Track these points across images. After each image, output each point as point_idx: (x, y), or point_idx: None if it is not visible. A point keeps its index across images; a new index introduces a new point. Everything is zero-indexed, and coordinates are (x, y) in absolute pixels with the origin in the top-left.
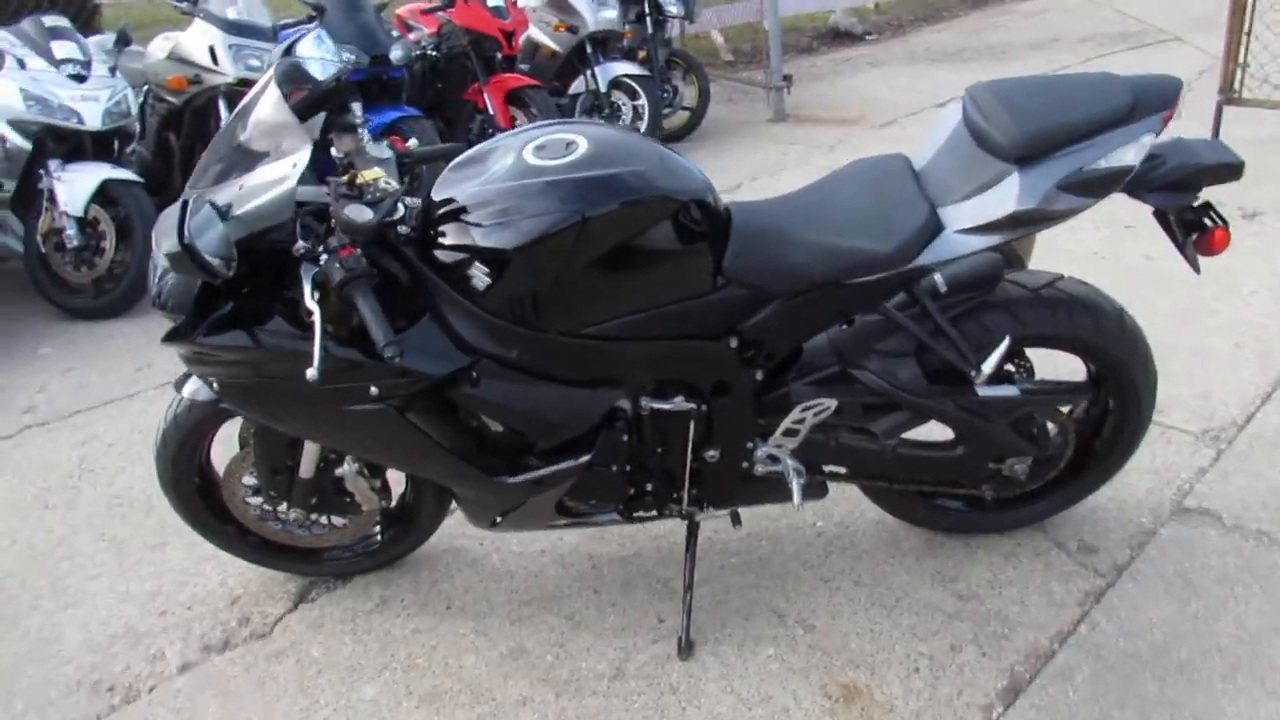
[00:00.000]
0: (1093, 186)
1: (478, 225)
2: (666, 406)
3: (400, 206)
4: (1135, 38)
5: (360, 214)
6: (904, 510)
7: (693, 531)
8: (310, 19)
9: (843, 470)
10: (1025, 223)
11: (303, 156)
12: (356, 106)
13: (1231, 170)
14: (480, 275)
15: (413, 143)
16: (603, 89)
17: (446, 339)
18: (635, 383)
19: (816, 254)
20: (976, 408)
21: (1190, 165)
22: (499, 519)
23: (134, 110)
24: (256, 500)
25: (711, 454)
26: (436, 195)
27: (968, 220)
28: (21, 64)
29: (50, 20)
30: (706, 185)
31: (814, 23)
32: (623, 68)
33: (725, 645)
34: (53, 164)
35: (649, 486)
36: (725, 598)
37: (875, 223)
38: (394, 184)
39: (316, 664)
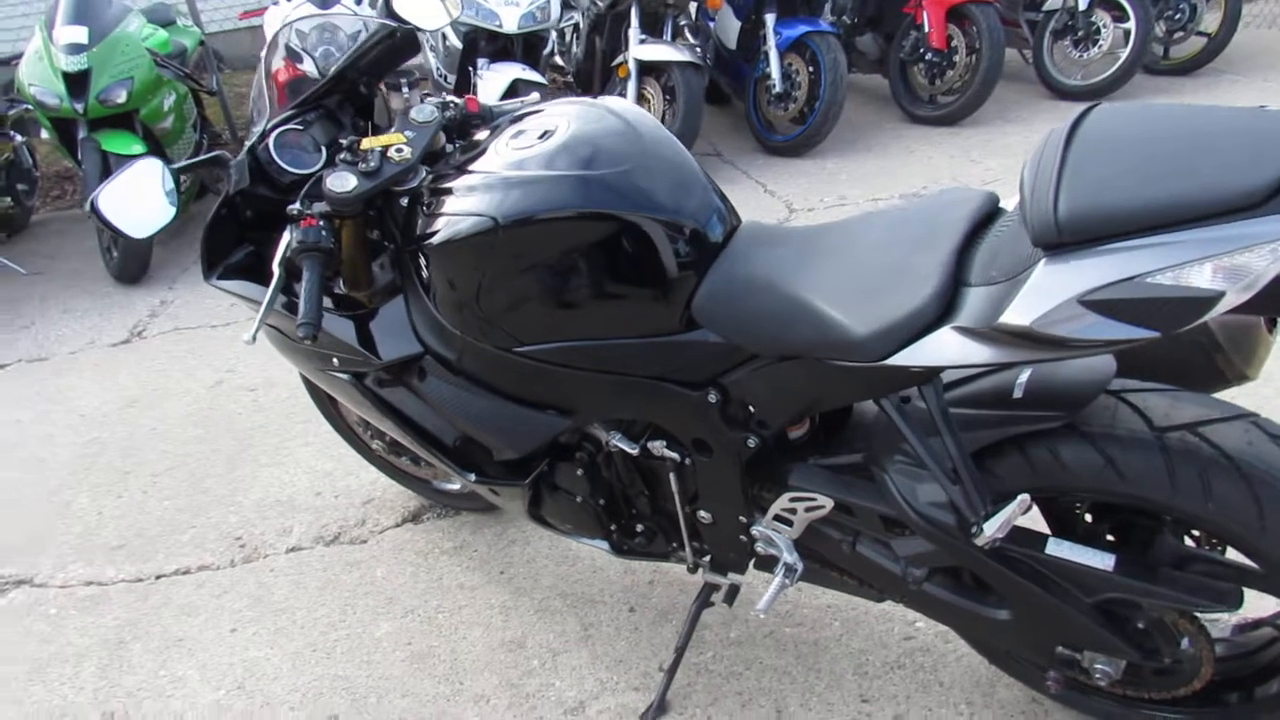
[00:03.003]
0: (1135, 312)
1: (423, 214)
2: (632, 450)
3: (413, 177)
4: None
5: (342, 183)
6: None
7: (704, 591)
8: None
9: (854, 583)
10: (1037, 343)
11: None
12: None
13: None
14: (424, 267)
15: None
16: (1082, 6)
17: (408, 325)
18: (593, 416)
19: (795, 315)
20: (1032, 569)
21: None
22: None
23: (552, 18)
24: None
25: (704, 515)
26: (433, 171)
27: (972, 317)
28: None
29: None
30: (700, 207)
31: None
32: None
33: None
34: (480, 62)
35: (639, 528)
36: (742, 672)
37: (876, 290)
38: (408, 152)
39: (370, 585)
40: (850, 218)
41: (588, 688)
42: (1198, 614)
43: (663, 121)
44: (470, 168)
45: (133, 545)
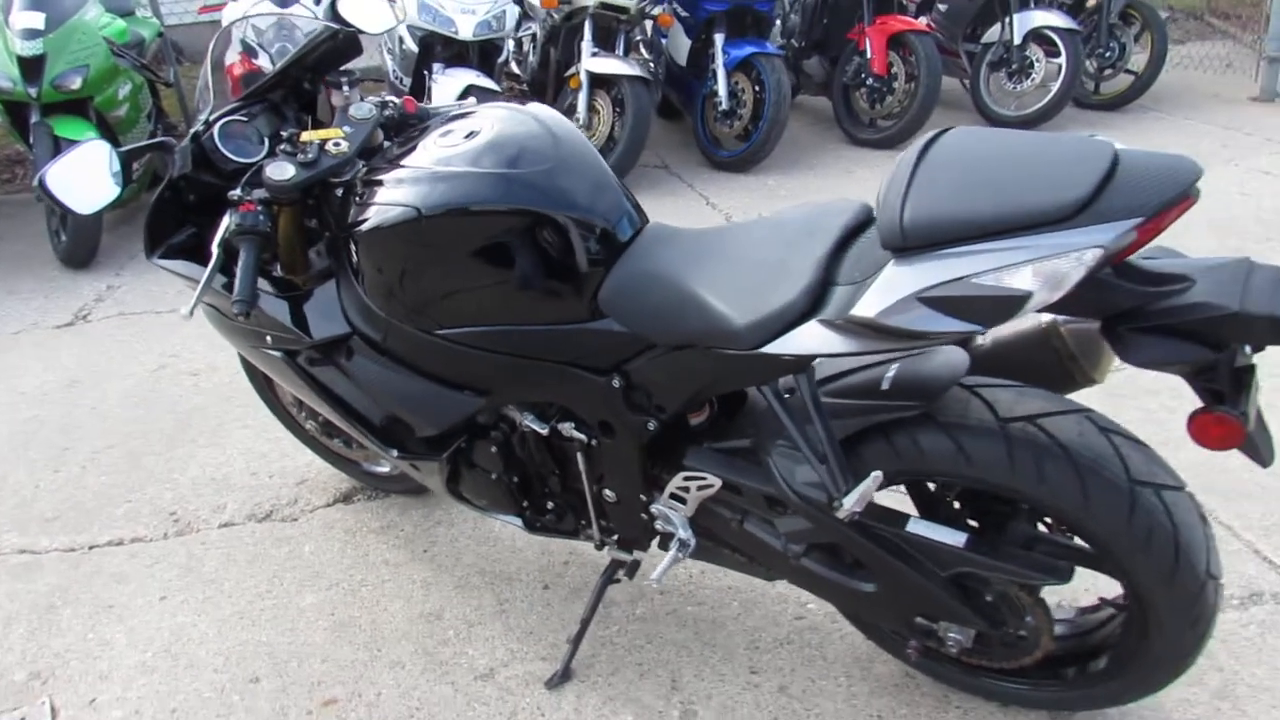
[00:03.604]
0: (964, 308)
1: (355, 203)
2: (542, 430)
3: (349, 169)
4: None
5: (280, 172)
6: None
7: (610, 567)
8: None
9: (744, 560)
10: (881, 334)
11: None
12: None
13: None
14: (354, 252)
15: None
16: (1016, 40)
17: (338, 307)
18: (507, 397)
19: (687, 307)
20: (895, 545)
21: (1219, 307)
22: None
23: (508, 27)
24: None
25: (609, 494)
26: (368, 164)
27: (833, 311)
28: None
29: None
30: (609, 207)
31: None
32: (1045, 17)
33: (595, 693)
34: (436, 66)
35: (550, 506)
36: (643, 645)
37: (757, 286)
38: (345, 146)
39: (298, 560)
40: (743, 221)
41: (498, 656)
42: (1035, 587)
43: (611, 133)
44: (401, 162)
45: (67, 517)
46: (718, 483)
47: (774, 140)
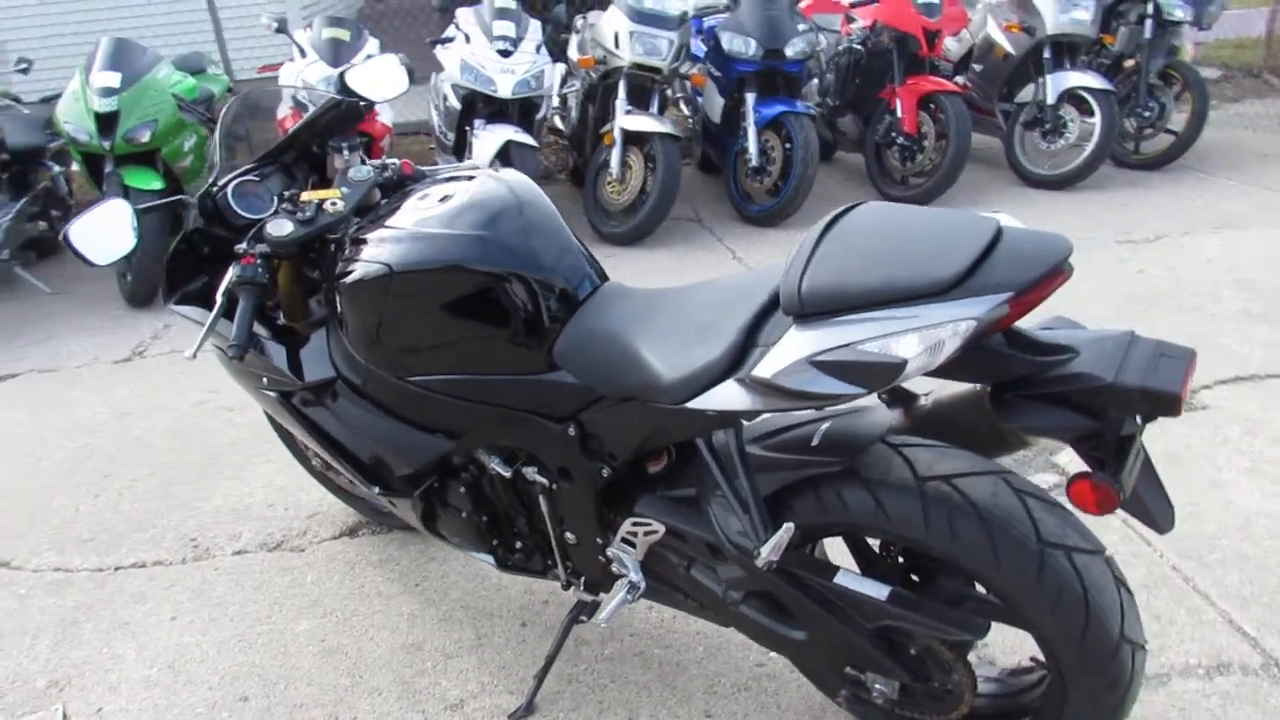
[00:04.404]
0: (849, 372)
1: (342, 258)
2: (505, 473)
3: (345, 226)
4: None
5: (280, 228)
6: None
7: (576, 607)
8: (727, 8)
9: (695, 605)
10: (778, 394)
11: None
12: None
13: (1163, 402)
14: (338, 303)
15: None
16: (1050, 100)
17: (326, 353)
18: (475, 441)
19: (627, 362)
20: (823, 596)
21: (1096, 378)
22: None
23: (546, 85)
24: None
25: (570, 535)
26: (359, 222)
27: (746, 370)
28: (468, 39)
29: (500, 1)
30: (566, 267)
31: None
32: (1079, 78)
33: None
34: (477, 122)
35: (518, 545)
36: (606, 684)
37: (688, 345)
38: (341, 206)
39: (299, 588)
40: (691, 284)
41: (469, 688)
42: (960, 643)
43: (643, 187)
44: (384, 222)
45: (100, 539)
46: (662, 529)
47: (802, 196)
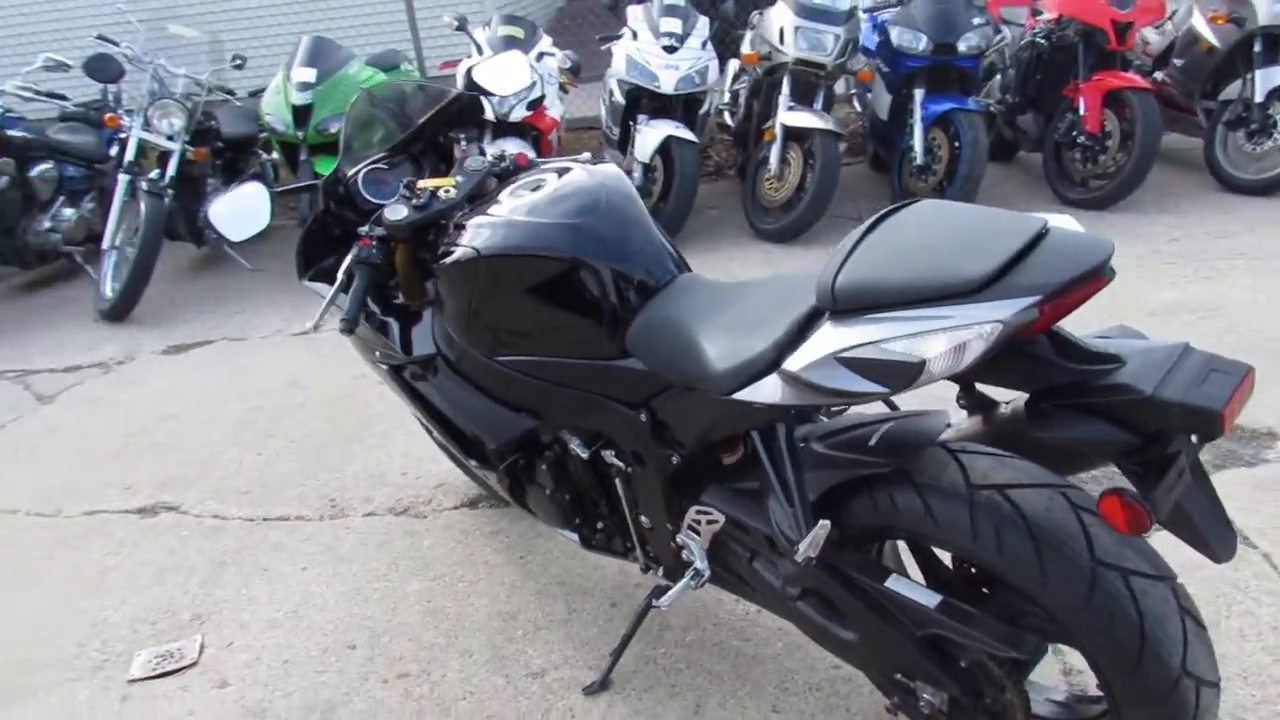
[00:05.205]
0: (872, 370)
1: (444, 242)
2: (584, 455)
3: (456, 212)
4: None
5: (395, 213)
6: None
7: (655, 591)
8: (898, 2)
9: (759, 597)
10: (806, 388)
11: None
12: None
13: (1203, 419)
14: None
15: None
16: (1258, 98)
17: (430, 331)
18: (557, 422)
19: (689, 351)
20: (873, 599)
21: (1136, 391)
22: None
23: (709, 81)
24: None
25: (644, 519)
26: (470, 209)
27: (789, 363)
28: (635, 35)
29: None
30: (643, 258)
31: None
32: None
33: (624, 705)
34: (641, 116)
35: (599, 526)
36: (682, 669)
37: (744, 336)
38: (453, 194)
39: (416, 551)
40: (762, 278)
41: (552, 659)
42: (1016, 662)
43: (801, 184)
44: (482, 209)
45: (255, 493)
46: (723, 519)
47: (968, 196)
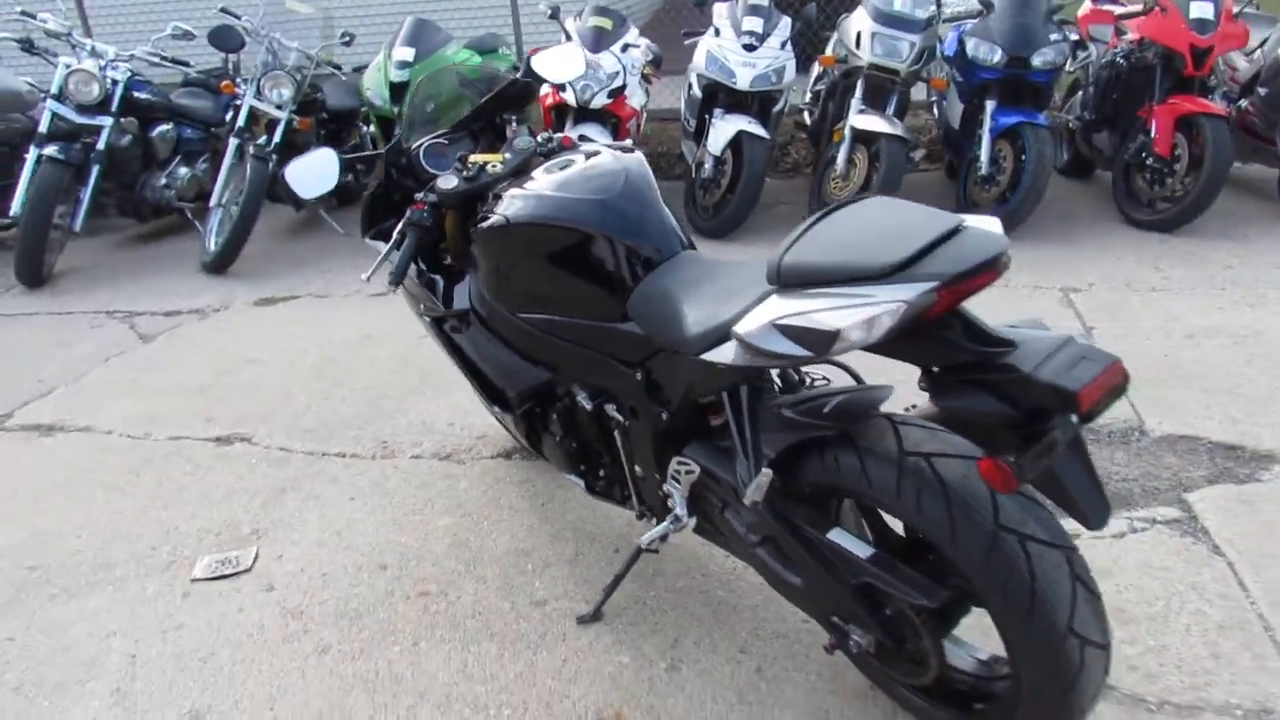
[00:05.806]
0: (800, 337)
1: (482, 209)
2: (589, 407)
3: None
4: None
5: (447, 182)
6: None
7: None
8: (979, 13)
9: (731, 545)
10: (753, 352)
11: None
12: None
13: (1065, 398)
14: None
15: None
16: None
17: (467, 289)
18: (569, 376)
19: (674, 317)
20: (816, 548)
21: (1016, 371)
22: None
23: (785, 80)
24: None
25: (638, 469)
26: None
27: (739, 326)
28: (717, 32)
29: None
30: (651, 233)
31: None
32: None
33: (610, 635)
34: (716, 111)
35: (602, 473)
36: (667, 610)
37: (718, 305)
38: (500, 169)
39: (452, 493)
40: (751, 259)
41: (555, 592)
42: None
43: (865, 184)
44: (520, 184)
45: (318, 431)
46: (698, 469)
47: (1028, 209)
